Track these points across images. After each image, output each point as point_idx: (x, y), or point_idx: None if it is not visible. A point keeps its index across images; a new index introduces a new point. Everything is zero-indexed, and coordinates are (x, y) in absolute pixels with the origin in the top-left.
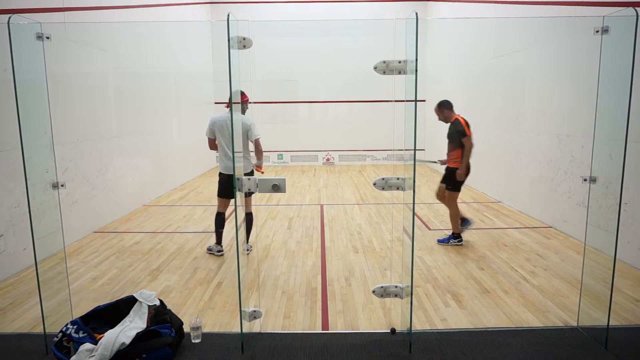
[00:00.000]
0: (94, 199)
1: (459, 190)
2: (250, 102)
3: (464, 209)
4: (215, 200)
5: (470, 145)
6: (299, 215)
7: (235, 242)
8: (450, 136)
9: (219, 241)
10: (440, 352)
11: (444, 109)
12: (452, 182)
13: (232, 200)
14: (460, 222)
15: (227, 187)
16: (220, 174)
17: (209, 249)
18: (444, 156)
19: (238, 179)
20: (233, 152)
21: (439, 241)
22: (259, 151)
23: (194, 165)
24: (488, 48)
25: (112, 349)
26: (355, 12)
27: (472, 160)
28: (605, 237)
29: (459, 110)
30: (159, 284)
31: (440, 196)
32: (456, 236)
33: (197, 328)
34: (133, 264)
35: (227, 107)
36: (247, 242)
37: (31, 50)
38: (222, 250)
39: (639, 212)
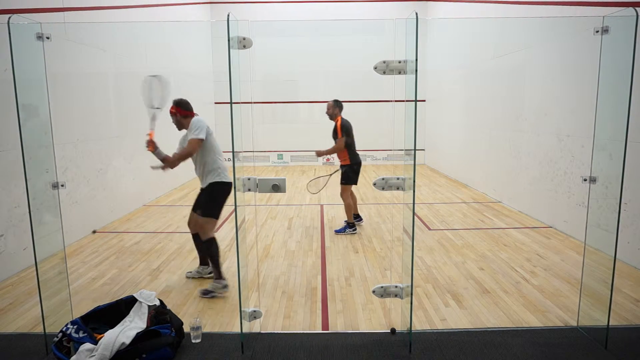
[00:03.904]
0: (94, 199)
1: (349, 184)
2: (250, 102)
3: (464, 209)
4: None
5: (338, 147)
6: (299, 215)
7: (235, 242)
8: (333, 135)
9: (220, 275)
10: (440, 352)
11: (336, 107)
12: (344, 177)
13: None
14: (354, 217)
15: (222, 202)
16: (215, 184)
17: (207, 292)
18: (445, 156)
19: (238, 179)
20: (233, 152)
21: (336, 231)
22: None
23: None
24: (488, 48)
25: (112, 349)
26: (355, 12)
27: (472, 160)
28: (605, 237)
29: (459, 110)
30: (159, 284)
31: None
32: (350, 225)
33: (197, 328)
34: (133, 264)
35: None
36: (220, 277)
37: (31, 50)
38: (228, 285)
39: (639, 212)
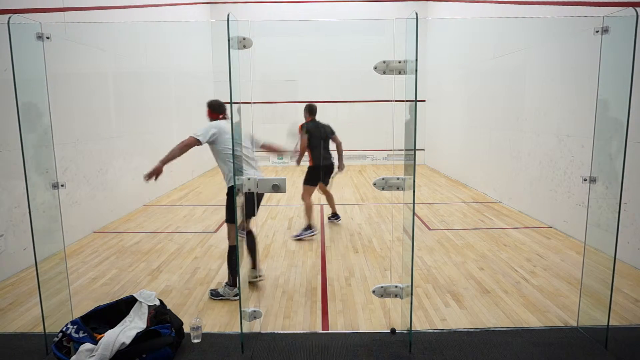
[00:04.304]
0: (94, 199)
1: (308, 185)
2: (250, 103)
3: (464, 209)
4: (213, 200)
5: (301, 144)
6: (299, 215)
7: (235, 241)
8: None
9: (234, 283)
10: (440, 352)
11: (305, 111)
12: (305, 178)
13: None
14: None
15: (248, 205)
16: (230, 189)
17: (217, 295)
18: (445, 156)
19: (238, 179)
20: (233, 152)
21: (294, 237)
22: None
23: (194, 165)
24: (488, 48)
25: (112, 349)
26: (355, 12)
27: (472, 160)
28: (605, 237)
29: (459, 110)
30: (159, 284)
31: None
32: (307, 228)
33: (197, 328)
34: (133, 264)
35: (221, 117)
36: (255, 267)
37: (31, 50)
38: (238, 295)
39: (639, 212)
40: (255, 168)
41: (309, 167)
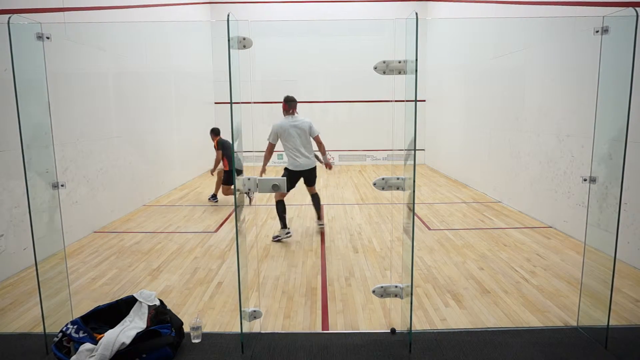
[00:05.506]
0: (94, 199)
1: (228, 184)
2: (250, 103)
3: (464, 209)
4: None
5: (217, 158)
6: (298, 215)
7: (236, 242)
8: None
9: (284, 225)
10: (440, 352)
11: (212, 133)
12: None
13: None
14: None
15: (292, 181)
16: (286, 169)
17: (276, 237)
18: (445, 156)
19: (238, 179)
20: (233, 152)
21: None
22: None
23: (194, 165)
24: (488, 48)
25: (112, 349)
26: (355, 12)
27: (472, 160)
28: (605, 237)
29: (459, 110)
30: (159, 284)
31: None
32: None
33: (197, 328)
34: (133, 264)
35: (291, 112)
36: (319, 218)
37: (31, 50)
38: (290, 232)
39: (639, 212)
40: (304, 157)
41: (225, 172)
